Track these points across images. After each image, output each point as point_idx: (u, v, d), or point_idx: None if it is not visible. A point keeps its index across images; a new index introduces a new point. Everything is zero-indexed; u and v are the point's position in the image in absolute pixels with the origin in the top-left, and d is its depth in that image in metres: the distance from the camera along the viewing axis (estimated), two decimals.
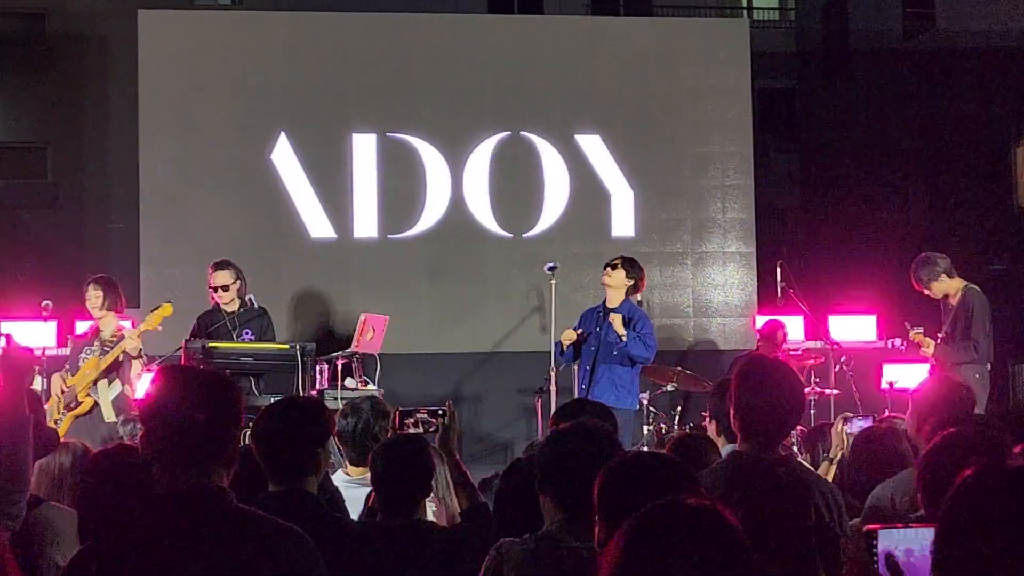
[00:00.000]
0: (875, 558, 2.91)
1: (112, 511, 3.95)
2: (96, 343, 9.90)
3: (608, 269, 10.50)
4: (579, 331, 10.44)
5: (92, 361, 9.77)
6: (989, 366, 10.40)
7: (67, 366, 9.98)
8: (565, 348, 10.47)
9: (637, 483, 3.50)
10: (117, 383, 9.78)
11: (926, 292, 10.46)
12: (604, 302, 10.55)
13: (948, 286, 10.40)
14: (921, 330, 10.35)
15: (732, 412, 4.46)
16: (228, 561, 3.08)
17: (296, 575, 3.14)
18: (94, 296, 9.95)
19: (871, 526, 3.02)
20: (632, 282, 10.42)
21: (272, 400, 7.07)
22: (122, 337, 9.86)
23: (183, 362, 10.07)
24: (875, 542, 2.93)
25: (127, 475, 4.09)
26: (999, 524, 2.41)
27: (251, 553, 3.11)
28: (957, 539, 2.46)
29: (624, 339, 10.11)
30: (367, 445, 5.78)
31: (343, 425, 5.97)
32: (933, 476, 3.67)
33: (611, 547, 2.45)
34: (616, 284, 10.42)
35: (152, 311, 10.06)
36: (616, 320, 10.14)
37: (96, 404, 9.71)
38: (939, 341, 10.29)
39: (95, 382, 9.72)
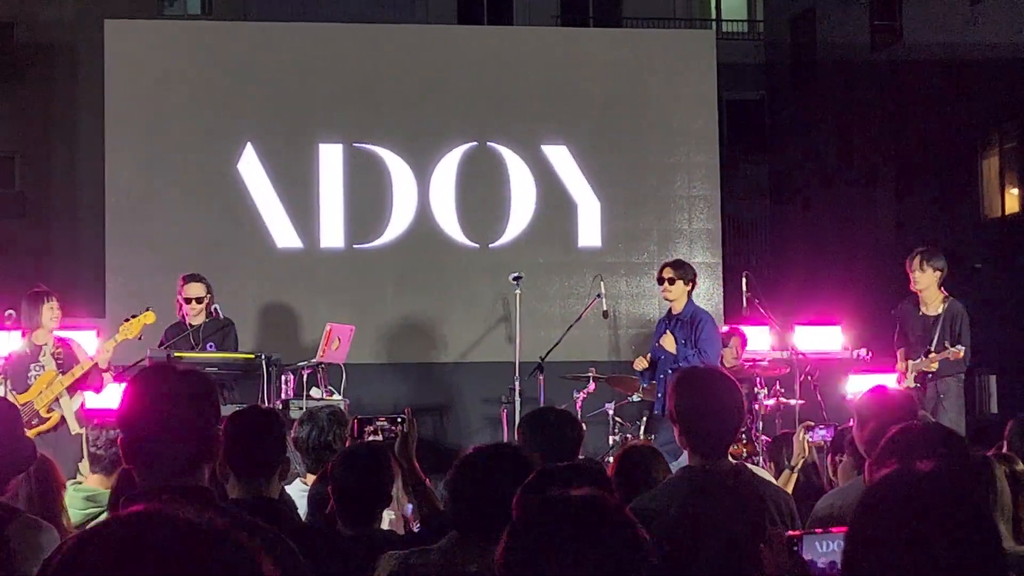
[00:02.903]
0: (796, 563, 2.95)
1: None
2: (43, 358, 9.71)
3: (666, 286, 10.79)
4: (647, 356, 10.89)
5: (47, 376, 9.64)
6: (963, 376, 10.74)
7: (3, 380, 9.64)
8: (642, 373, 11.04)
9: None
10: (78, 395, 9.70)
11: (914, 274, 10.71)
12: (670, 310, 10.95)
13: (932, 289, 10.66)
14: (935, 364, 10.48)
15: (676, 428, 4.43)
16: (218, 561, 3.06)
17: None
18: (56, 310, 9.83)
19: (792, 532, 3.06)
20: (690, 286, 10.78)
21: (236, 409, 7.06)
22: (67, 349, 9.79)
23: None
24: (796, 548, 2.97)
25: None
26: (902, 528, 2.42)
27: (240, 555, 3.09)
28: (863, 543, 2.48)
29: (675, 354, 10.54)
30: (322, 453, 5.78)
31: (300, 433, 5.97)
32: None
33: (499, 546, 2.42)
34: (677, 296, 10.77)
35: (132, 318, 9.97)
36: (666, 341, 10.56)
37: (62, 419, 9.61)
38: (925, 355, 10.51)
39: (57, 398, 9.62)
